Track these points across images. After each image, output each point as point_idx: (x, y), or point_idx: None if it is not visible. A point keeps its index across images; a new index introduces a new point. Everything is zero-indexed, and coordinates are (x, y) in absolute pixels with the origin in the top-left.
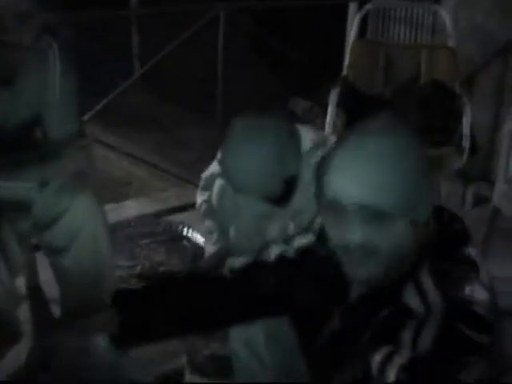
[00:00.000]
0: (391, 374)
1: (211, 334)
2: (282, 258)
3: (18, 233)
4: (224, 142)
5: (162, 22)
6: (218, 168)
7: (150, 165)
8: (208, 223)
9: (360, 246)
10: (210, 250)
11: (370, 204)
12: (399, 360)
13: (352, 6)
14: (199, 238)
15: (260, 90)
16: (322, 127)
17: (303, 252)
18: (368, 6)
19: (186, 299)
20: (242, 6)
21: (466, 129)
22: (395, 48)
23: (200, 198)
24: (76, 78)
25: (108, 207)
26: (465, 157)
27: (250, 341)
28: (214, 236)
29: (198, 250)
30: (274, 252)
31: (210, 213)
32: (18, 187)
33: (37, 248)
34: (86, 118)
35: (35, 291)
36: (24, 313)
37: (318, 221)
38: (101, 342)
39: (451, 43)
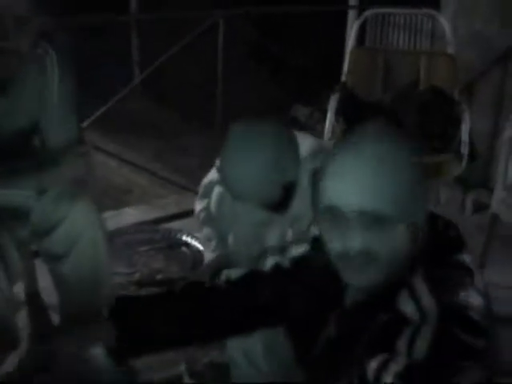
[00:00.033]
0: (387, 382)
1: (209, 344)
2: (277, 268)
3: (16, 240)
4: (222, 148)
5: (161, 28)
6: (216, 175)
7: (150, 172)
8: (206, 231)
9: (360, 252)
10: (208, 257)
11: (369, 210)
12: (395, 367)
13: (351, 13)
14: (198, 245)
15: (260, 97)
16: (323, 133)
17: (298, 261)
18: (367, 13)
19: (183, 310)
20: (240, 12)
21: (464, 135)
22: (394, 54)
23: (198, 206)
24: (74, 84)
25: (107, 214)
26: (464, 163)
27: (248, 351)
28: (213, 243)
29: (197, 256)
30: (269, 262)
31: (209, 220)
32: (16, 195)
33: (36, 255)
34: (85, 124)
35: (34, 297)
36: (23, 319)
37: (312, 230)
38: (100, 351)
39: (450, 50)
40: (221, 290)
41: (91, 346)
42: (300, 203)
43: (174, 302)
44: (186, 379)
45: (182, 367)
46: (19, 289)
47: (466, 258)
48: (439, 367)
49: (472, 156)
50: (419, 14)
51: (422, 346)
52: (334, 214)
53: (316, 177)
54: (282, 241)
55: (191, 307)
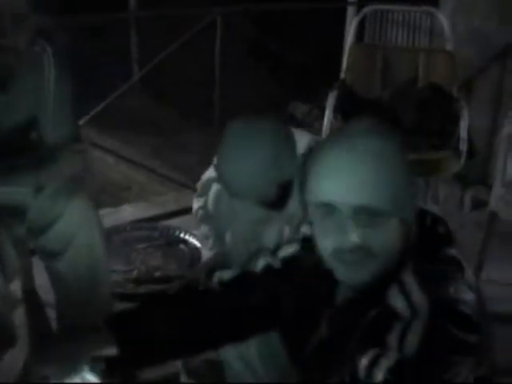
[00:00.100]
0: (378, 377)
1: (207, 351)
2: (268, 269)
3: (13, 237)
4: (219, 146)
5: (160, 25)
6: (214, 173)
7: (149, 169)
8: (204, 228)
9: (356, 247)
10: (206, 255)
11: (364, 205)
12: (386, 363)
13: (350, 10)
14: (196, 243)
15: (258, 94)
16: (321, 130)
17: (289, 261)
18: (366, 9)
19: (178, 318)
20: (239, 10)
21: (463, 132)
22: (393, 51)
23: (196, 204)
24: (71, 81)
25: (105, 211)
26: (462, 160)
27: (243, 353)
28: (210, 241)
29: (195, 254)
30: (260, 263)
31: (207, 218)
32: (13, 192)
33: (33, 252)
34: (83, 121)
35: (31, 295)
36: (20, 317)
37: (303, 229)
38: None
39: (449, 47)
40: (214, 294)
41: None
42: (297, 200)
43: (169, 311)
44: (183, 377)
45: (179, 365)
46: (16, 286)
47: (456, 253)
48: (430, 362)
49: (470, 153)
50: (418, 10)
51: (412, 340)
52: (328, 210)
53: (306, 175)
54: (279, 238)
55: (186, 314)
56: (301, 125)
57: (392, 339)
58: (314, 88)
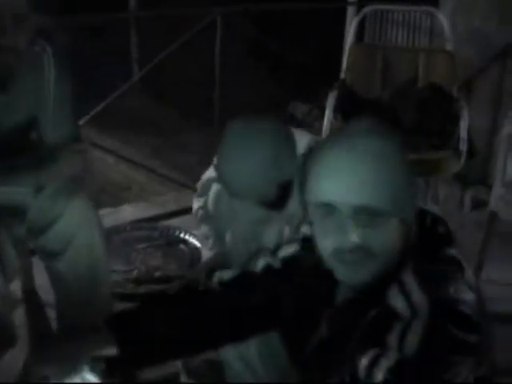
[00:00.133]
0: (378, 377)
1: (207, 351)
2: (268, 269)
3: (13, 237)
4: (219, 146)
5: (160, 25)
6: (214, 173)
7: (149, 169)
8: (204, 228)
9: (356, 247)
10: (206, 255)
11: (364, 204)
12: (386, 362)
13: (350, 9)
14: (196, 243)
15: (258, 94)
16: (321, 130)
17: (289, 262)
18: (366, 9)
19: (178, 318)
20: (239, 10)
21: (463, 132)
22: (393, 51)
23: (196, 204)
24: (71, 81)
25: (105, 211)
26: (462, 160)
27: (243, 354)
28: (210, 241)
29: (195, 254)
30: (260, 263)
31: (207, 218)
32: (13, 192)
33: (33, 252)
34: (83, 121)
35: (31, 295)
36: (20, 317)
37: (302, 229)
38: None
39: (449, 47)
40: (214, 294)
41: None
42: (297, 200)
43: (169, 310)
44: (183, 377)
45: (179, 365)
46: (16, 286)
47: (456, 253)
48: (430, 362)
49: (471, 153)
50: (418, 10)
51: (412, 340)
52: (328, 210)
53: (306, 176)
54: (279, 238)
55: (186, 314)
56: (301, 125)
57: (392, 339)
58: (313, 88)
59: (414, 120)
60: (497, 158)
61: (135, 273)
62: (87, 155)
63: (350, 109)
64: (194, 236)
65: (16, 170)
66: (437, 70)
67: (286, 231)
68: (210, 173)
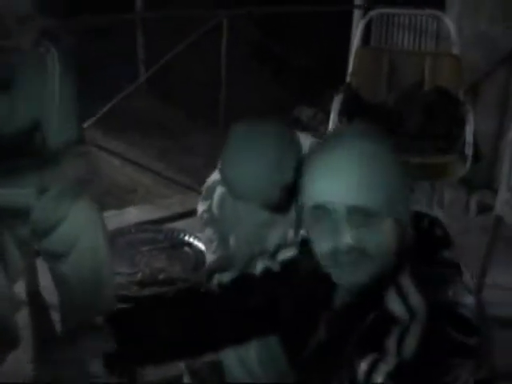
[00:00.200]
0: (377, 382)
1: (207, 354)
2: (267, 272)
3: (17, 239)
4: (223, 149)
5: (166, 26)
6: (219, 176)
7: (155, 172)
8: (208, 232)
9: (351, 248)
10: (209, 258)
11: (357, 205)
12: (385, 367)
13: (356, 13)
14: (201, 245)
15: (262, 97)
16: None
17: (287, 265)
18: (372, 13)
19: (178, 320)
20: (244, 12)
21: (469, 136)
22: (399, 54)
23: (201, 207)
24: (76, 83)
25: (110, 213)
26: (468, 164)
27: (243, 358)
28: (214, 245)
29: (199, 257)
30: (259, 266)
31: (211, 221)
32: (17, 193)
33: (37, 254)
34: (89, 122)
35: (35, 297)
36: (23, 318)
37: (300, 232)
38: (98, 366)
39: (455, 50)
40: (213, 296)
41: (90, 361)
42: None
43: (168, 312)
44: (186, 379)
45: (182, 366)
46: (20, 288)
47: (454, 255)
48: (430, 366)
49: (476, 157)
50: (424, 14)
51: (411, 344)
52: (322, 213)
53: (302, 176)
54: (283, 241)
55: (185, 316)
56: (306, 128)
57: (390, 343)
58: (317, 91)
59: (420, 124)
60: (502, 162)
61: (139, 275)
62: (92, 157)
63: (355, 112)
64: (199, 239)
65: (19, 172)
66: (443, 73)
67: (290, 234)
68: (215, 176)
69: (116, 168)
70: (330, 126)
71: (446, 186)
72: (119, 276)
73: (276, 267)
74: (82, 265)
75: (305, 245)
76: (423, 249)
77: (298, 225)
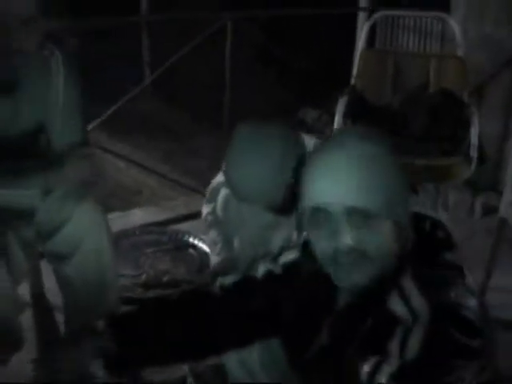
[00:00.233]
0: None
1: (209, 356)
2: (269, 274)
3: (22, 240)
4: (228, 151)
5: (171, 29)
6: (223, 178)
7: (160, 174)
8: (212, 234)
9: (350, 250)
10: (214, 260)
11: (356, 206)
12: (388, 369)
13: (361, 15)
14: (205, 247)
15: (267, 99)
16: None
17: (290, 267)
18: (376, 15)
19: (180, 322)
20: (248, 15)
21: (474, 138)
22: (404, 57)
23: (205, 210)
24: (80, 86)
25: (115, 215)
26: (473, 166)
27: (245, 361)
28: (218, 246)
29: (204, 259)
30: (261, 269)
31: (215, 223)
32: (22, 195)
33: (41, 255)
34: (94, 124)
35: (39, 298)
36: (27, 320)
37: (302, 236)
38: (99, 367)
39: (460, 52)
40: (215, 299)
41: (91, 363)
42: None
43: (171, 315)
44: (189, 381)
45: (186, 368)
46: (24, 289)
47: (456, 257)
48: (433, 367)
49: (481, 159)
50: (429, 16)
51: (414, 346)
52: (323, 214)
53: (301, 179)
54: (288, 243)
55: (187, 318)
56: (311, 130)
57: (393, 345)
58: (321, 94)
59: (425, 126)
60: (507, 164)
61: (144, 277)
62: (97, 159)
63: (360, 114)
64: (203, 241)
65: (24, 173)
66: (448, 75)
67: (295, 236)
68: (220, 178)
69: (121, 170)
70: (335, 127)
71: (450, 188)
72: (123, 278)
73: (278, 270)
74: (86, 267)
75: (307, 247)
76: (425, 251)
77: (299, 227)
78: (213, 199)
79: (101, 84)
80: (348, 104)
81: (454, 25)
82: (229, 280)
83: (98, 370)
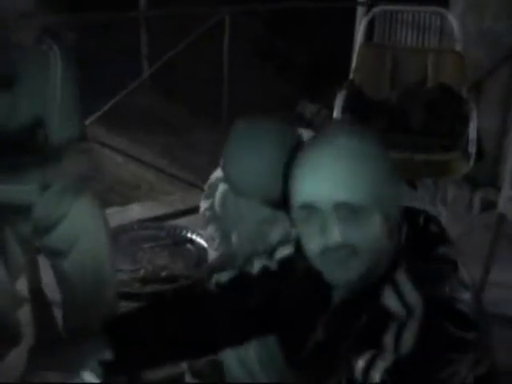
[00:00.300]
0: (375, 379)
1: (207, 355)
2: (265, 271)
3: (19, 235)
4: (225, 146)
5: (170, 24)
6: (221, 173)
7: (158, 169)
8: (210, 229)
9: (340, 246)
10: (212, 255)
11: (344, 201)
12: (383, 363)
13: (360, 9)
14: (203, 242)
15: (266, 93)
16: None
17: (285, 263)
18: (375, 10)
19: (177, 321)
20: (247, 9)
21: (472, 133)
22: (402, 51)
23: (204, 205)
24: (77, 81)
25: (113, 210)
26: (471, 162)
27: (243, 359)
28: (216, 242)
29: (201, 254)
30: (257, 265)
31: (213, 219)
32: (18, 190)
33: (39, 250)
34: (92, 119)
35: (37, 293)
36: (25, 315)
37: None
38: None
39: (458, 47)
40: (211, 295)
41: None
42: None
43: (167, 314)
44: (188, 378)
45: (184, 366)
46: (22, 284)
47: (450, 252)
48: (428, 361)
49: (480, 154)
50: (427, 11)
51: (408, 340)
52: (311, 211)
53: (290, 176)
54: (286, 238)
55: (184, 316)
56: (309, 125)
57: (388, 340)
58: (321, 88)
59: (423, 121)
60: (506, 159)
61: (142, 272)
62: (95, 154)
63: (358, 109)
64: (201, 236)
65: (22, 168)
66: (446, 70)
67: (293, 231)
68: (218, 173)
69: (119, 165)
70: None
71: (449, 183)
72: (121, 273)
73: (273, 266)
74: (83, 262)
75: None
76: (419, 245)
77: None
78: (211, 194)
79: (99, 78)
80: (346, 98)
81: (453, 20)
82: (224, 277)
83: (94, 370)
